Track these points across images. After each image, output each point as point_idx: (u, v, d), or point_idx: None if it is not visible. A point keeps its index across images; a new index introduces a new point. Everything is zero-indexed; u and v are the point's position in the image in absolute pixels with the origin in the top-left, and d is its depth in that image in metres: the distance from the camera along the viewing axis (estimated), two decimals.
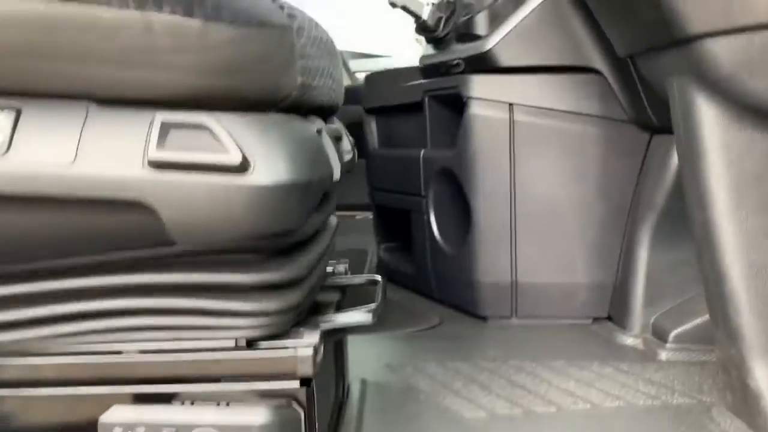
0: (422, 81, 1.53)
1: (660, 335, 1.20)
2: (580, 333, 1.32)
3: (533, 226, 1.34)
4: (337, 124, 0.90)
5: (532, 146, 1.31)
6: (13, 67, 0.55)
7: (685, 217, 1.26)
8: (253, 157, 0.56)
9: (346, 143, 0.92)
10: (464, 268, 1.40)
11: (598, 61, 1.27)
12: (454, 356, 1.20)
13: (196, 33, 0.54)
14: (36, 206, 0.56)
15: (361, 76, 3.25)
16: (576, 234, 1.33)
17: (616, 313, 1.33)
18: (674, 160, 1.22)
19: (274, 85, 0.61)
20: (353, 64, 3.26)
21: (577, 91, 1.30)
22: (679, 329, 1.17)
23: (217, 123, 0.56)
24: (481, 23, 1.35)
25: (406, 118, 1.65)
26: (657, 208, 1.25)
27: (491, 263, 1.36)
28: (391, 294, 1.73)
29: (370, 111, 1.82)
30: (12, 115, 0.56)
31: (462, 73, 1.38)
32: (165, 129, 0.55)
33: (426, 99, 1.50)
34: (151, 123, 0.56)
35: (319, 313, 0.76)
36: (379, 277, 0.95)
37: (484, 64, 1.32)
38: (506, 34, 1.29)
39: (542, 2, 1.27)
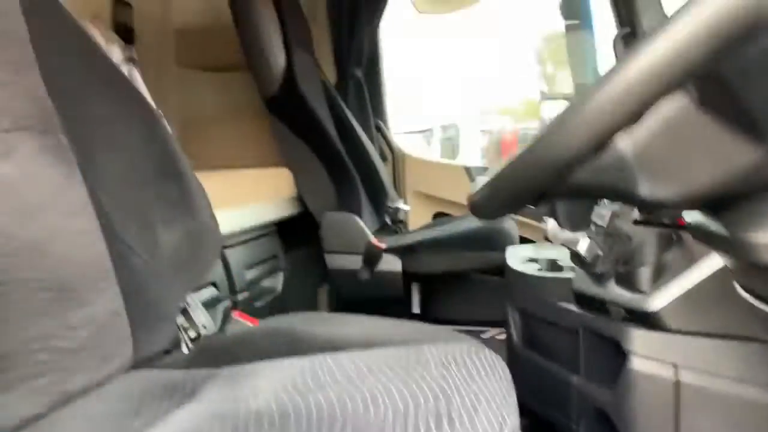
0: (577, 311, 1.55)
1: None
2: None
3: None
4: None
5: (697, 410, 1.30)
6: None
7: None
8: None
9: None
10: None
11: (766, 334, 1.25)
12: None
13: None
14: None
15: None
16: None
17: None
18: None
19: None
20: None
21: (747, 358, 1.27)
22: None
23: None
24: (644, 277, 1.35)
25: (554, 326, 1.67)
26: None
27: None
28: None
29: (513, 304, 1.85)
30: None
31: (622, 321, 1.39)
32: None
33: (581, 330, 1.51)
34: None
35: None
36: None
37: (648, 322, 1.32)
38: (675, 299, 1.29)
39: (716, 271, 1.26)
